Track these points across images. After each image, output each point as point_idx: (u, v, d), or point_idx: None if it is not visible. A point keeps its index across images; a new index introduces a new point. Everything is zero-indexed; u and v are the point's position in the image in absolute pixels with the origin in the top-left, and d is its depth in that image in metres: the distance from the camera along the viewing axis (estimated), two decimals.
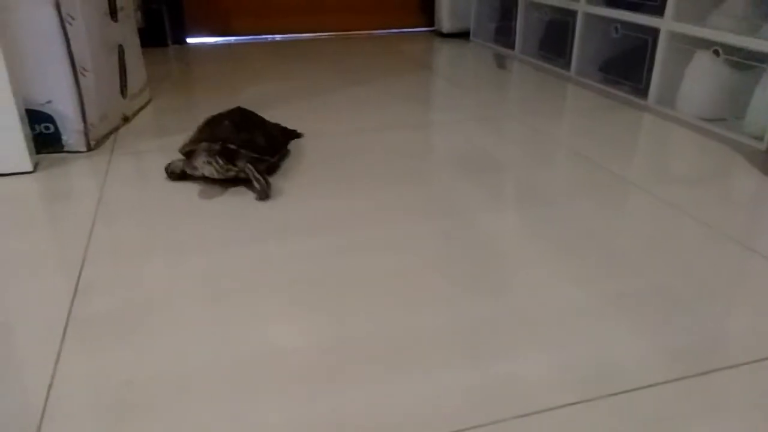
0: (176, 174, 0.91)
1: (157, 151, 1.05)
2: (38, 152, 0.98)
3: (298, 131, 1.11)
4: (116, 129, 1.15)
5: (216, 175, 0.85)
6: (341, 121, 1.22)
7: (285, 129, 1.09)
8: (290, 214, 0.82)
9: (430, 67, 1.75)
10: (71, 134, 1.01)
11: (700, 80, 1.21)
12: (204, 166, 0.84)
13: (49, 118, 0.99)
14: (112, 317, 0.60)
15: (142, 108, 1.28)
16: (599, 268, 0.69)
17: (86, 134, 1.02)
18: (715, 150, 1.08)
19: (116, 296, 0.63)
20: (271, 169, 0.94)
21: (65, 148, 1.03)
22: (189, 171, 0.89)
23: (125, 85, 1.18)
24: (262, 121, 0.99)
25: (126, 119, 1.20)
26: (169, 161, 0.92)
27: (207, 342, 0.56)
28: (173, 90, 1.47)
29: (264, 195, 0.85)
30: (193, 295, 0.64)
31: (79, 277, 0.67)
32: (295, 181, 0.92)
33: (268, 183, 0.86)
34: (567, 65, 1.58)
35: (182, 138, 1.12)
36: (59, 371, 0.52)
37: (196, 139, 0.88)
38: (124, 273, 0.68)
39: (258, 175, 0.85)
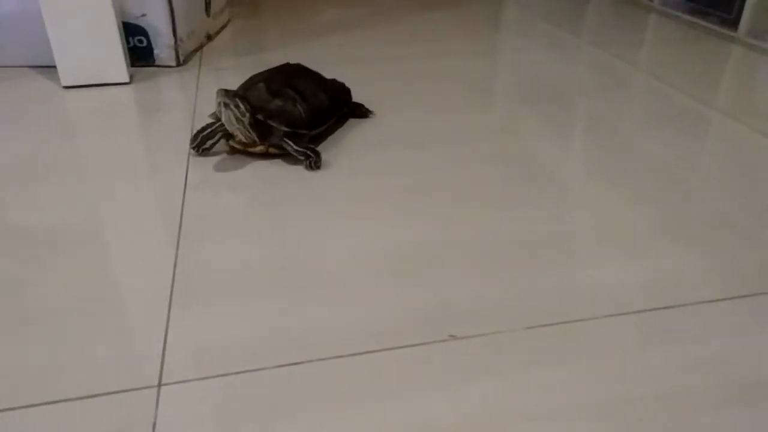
0: (208, 144, 0.76)
1: (241, 68, 1.08)
2: (132, 65, 1.03)
3: (366, 108, 0.89)
4: (201, 46, 1.18)
5: (236, 127, 0.71)
6: (410, 45, 1.22)
7: (341, 90, 0.88)
8: (357, 133, 0.84)
9: None
10: (163, 48, 1.05)
11: None
12: (221, 111, 0.70)
13: (142, 32, 1.03)
14: (221, 213, 0.65)
15: (223, 28, 1.31)
16: (668, 191, 0.69)
17: (176, 49, 1.06)
18: None
19: (222, 196, 0.68)
20: (313, 141, 0.78)
21: (156, 62, 1.07)
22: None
23: (209, 3, 1.21)
24: (310, 84, 0.80)
25: (209, 37, 1.23)
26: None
27: (307, 239, 0.60)
28: (248, 12, 1.50)
29: (311, 167, 0.73)
30: (293, 199, 0.68)
31: (186, 177, 0.72)
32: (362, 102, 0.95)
33: (315, 154, 0.73)
34: None
35: (262, 58, 1.15)
36: (181, 254, 0.58)
37: None
38: (228, 175, 0.72)
39: (299, 148, 0.73)
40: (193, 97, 0.96)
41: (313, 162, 0.73)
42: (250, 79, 0.81)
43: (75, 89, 0.98)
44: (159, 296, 0.52)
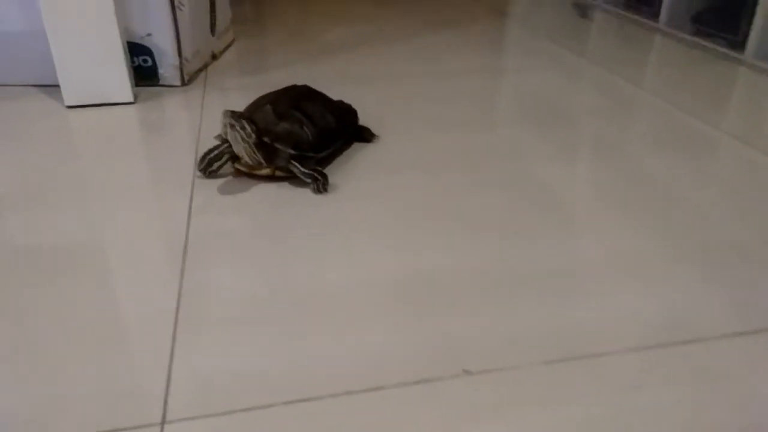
0: (215, 167, 0.75)
1: (246, 88, 1.08)
2: (136, 84, 1.02)
3: (371, 132, 0.87)
4: (206, 66, 1.18)
5: (242, 146, 0.70)
6: (413, 65, 1.22)
7: (348, 112, 0.87)
8: (363, 155, 0.83)
9: (507, 14, 1.70)
10: (167, 68, 1.05)
11: None
12: (227, 132, 0.69)
13: (147, 51, 1.02)
14: (227, 238, 0.63)
15: (227, 47, 1.31)
16: (680, 218, 0.68)
17: (181, 69, 1.05)
18: None
19: (228, 220, 0.67)
20: (320, 164, 0.76)
21: (161, 82, 1.06)
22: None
23: (214, 23, 1.20)
24: (317, 105, 0.79)
25: (214, 57, 1.22)
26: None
27: (315, 266, 0.59)
28: (253, 31, 1.49)
29: (319, 190, 0.72)
30: (300, 224, 0.66)
31: (191, 200, 0.70)
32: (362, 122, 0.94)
33: (323, 177, 0.72)
34: (656, 16, 1.51)
35: (267, 78, 1.15)
36: (185, 281, 0.56)
37: None
38: (233, 198, 0.71)
39: (306, 171, 0.72)
40: (198, 117, 0.95)
41: (321, 185, 0.72)
42: (256, 101, 0.80)
43: (78, 109, 0.97)
44: (162, 327, 0.50)
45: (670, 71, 1.22)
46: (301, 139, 0.74)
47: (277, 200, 0.71)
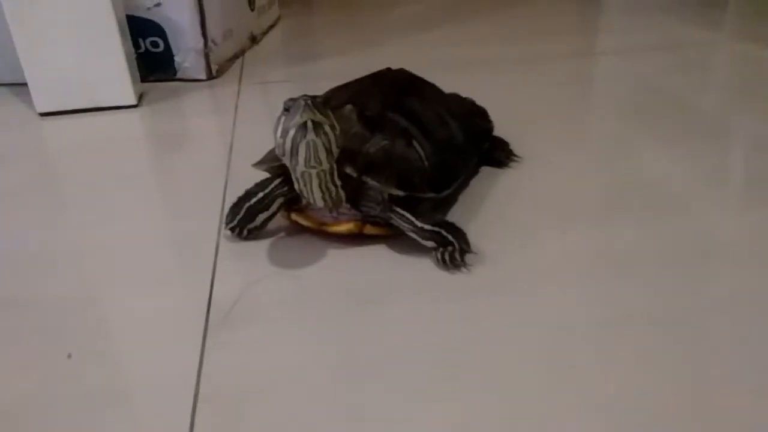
0: (259, 222, 0.41)
1: (298, 81, 0.76)
2: (143, 79, 0.71)
3: (509, 151, 0.52)
4: (242, 52, 0.86)
5: (318, 170, 0.37)
6: (489, 49, 0.88)
7: (476, 113, 0.54)
8: (492, 187, 0.49)
9: None
10: (187, 54, 0.73)
11: None
12: (301, 139, 0.35)
13: (157, 30, 0.71)
14: (271, 390, 0.30)
15: (271, 26, 0.99)
16: None
17: (206, 55, 0.74)
18: None
19: (274, 341, 0.34)
20: (438, 209, 0.43)
21: (178, 74, 0.75)
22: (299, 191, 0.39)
23: None
24: (429, 105, 0.46)
25: (254, 39, 0.90)
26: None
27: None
28: (301, 7, 1.18)
29: (453, 262, 0.38)
30: (423, 344, 0.33)
31: (211, 290, 0.38)
32: None
33: (457, 237, 0.38)
34: None
35: (325, 67, 0.82)
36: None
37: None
38: (289, 281, 0.38)
39: (426, 226, 0.38)
40: (230, 126, 0.63)
41: (456, 252, 0.38)
42: (329, 97, 0.46)
43: (56, 117, 0.66)
44: None
45: None
46: (411, 167, 0.40)
47: (371, 287, 0.37)
